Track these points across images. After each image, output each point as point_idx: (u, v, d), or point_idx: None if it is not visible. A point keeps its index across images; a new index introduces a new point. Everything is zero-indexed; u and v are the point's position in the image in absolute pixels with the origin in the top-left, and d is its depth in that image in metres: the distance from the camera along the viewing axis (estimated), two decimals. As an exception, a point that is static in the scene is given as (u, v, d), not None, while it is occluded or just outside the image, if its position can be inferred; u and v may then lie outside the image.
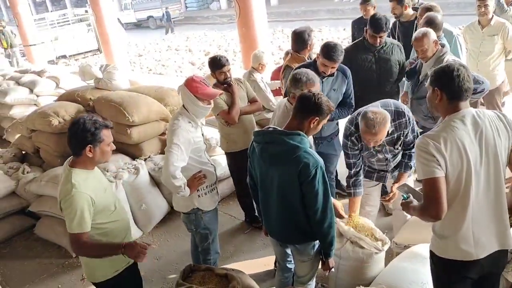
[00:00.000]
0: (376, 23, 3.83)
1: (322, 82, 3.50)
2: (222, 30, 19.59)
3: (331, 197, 2.45)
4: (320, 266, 2.75)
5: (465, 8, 15.14)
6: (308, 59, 4.21)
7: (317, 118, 2.39)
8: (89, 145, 2.32)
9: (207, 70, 11.84)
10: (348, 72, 3.68)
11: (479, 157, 2.04)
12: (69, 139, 2.39)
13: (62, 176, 2.42)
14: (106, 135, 2.38)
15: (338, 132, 3.88)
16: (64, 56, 16.74)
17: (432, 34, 3.55)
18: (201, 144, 3.00)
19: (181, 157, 2.82)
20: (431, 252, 2.28)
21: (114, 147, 2.48)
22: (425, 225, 3.23)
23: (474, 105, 4.89)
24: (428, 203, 2.04)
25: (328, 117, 2.48)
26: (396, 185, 3.16)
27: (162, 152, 4.87)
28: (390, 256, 3.29)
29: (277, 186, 2.45)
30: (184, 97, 2.94)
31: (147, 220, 4.49)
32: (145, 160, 4.70)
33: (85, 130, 2.30)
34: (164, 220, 4.64)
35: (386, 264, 3.14)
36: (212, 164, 3.16)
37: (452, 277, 2.20)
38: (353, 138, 3.01)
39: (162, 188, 4.68)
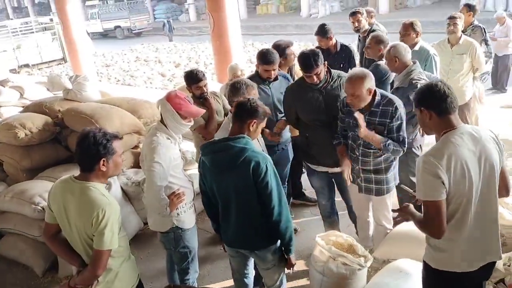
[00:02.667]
0: (304, 62, 3.25)
1: (270, 88, 3.75)
2: (192, 42, 19.50)
3: (283, 191, 2.55)
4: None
5: (427, 27, 15.76)
6: (287, 72, 4.25)
7: (255, 120, 2.53)
8: (103, 159, 2.24)
9: (178, 82, 11.78)
10: (288, 75, 3.95)
11: (479, 173, 2.08)
12: (80, 155, 2.30)
13: (78, 193, 2.28)
14: (117, 146, 2.31)
15: (290, 141, 3.98)
16: (27, 65, 16.16)
17: (398, 49, 3.60)
18: (179, 160, 2.91)
19: (163, 175, 2.73)
20: (425, 263, 2.29)
21: (124, 158, 2.39)
22: (404, 239, 3.27)
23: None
24: (430, 223, 2.07)
25: (265, 120, 2.62)
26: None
27: (135, 166, 4.72)
28: (369, 270, 3.29)
29: (234, 193, 2.51)
30: (165, 112, 2.84)
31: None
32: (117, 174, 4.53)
33: (97, 143, 2.22)
34: (137, 237, 4.48)
35: (367, 281, 3.13)
36: (190, 180, 3.07)
37: None
38: (343, 101, 3.19)
39: (134, 204, 4.53)
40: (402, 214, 2.30)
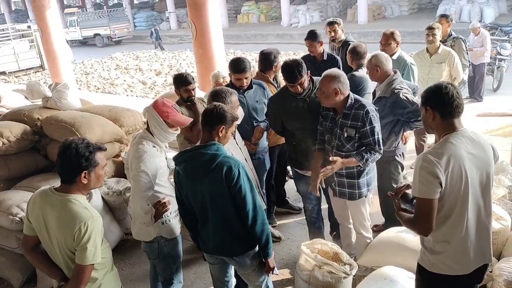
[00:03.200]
0: (287, 73, 3.29)
1: (244, 96, 3.74)
2: (173, 50, 19.43)
3: (258, 195, 2.57)
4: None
5: (404, 37, 16.09)
6: (273, 80, 4.27)
7: (224, 126, 2.54)
8: (85, 171, 2.17)
9: (158, 90, 11.70)
10: (263, 83, 3.95)
11: (476, 176, 2.12)
12: (61, 166, 2.21)
13: (59, 205, 2.20)
14: (100, 158, 2.24)
15: (267, 150, 4.00)
16: (3, 73, 15.83)
17: (381, 59, 3.66)
18: (165, 169, 2.88)
19: (149, 185, 2.70)
20: (419, 266, 2.31)
21: (107, 170, 2.33)
22: (388, 247, 3.29)
23: (422, 130, 5.12)
24: (421, 220, 2.11)
25: (235, 125, 2.65)
26: (330, 163, 3.12)
27: (116, 175, 4.65)
28: (354, 278, 3.29)
29: (209, 199, 2.52)
30: (152, 120, 2.81)
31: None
32: (98, 183, 4.44)
33: (79, 155, 2.15)
34: (118, 247, 4.38)
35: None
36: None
37: None
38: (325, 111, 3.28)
39: (115, 213, 4.45)
40: (396, 201, 2.33)
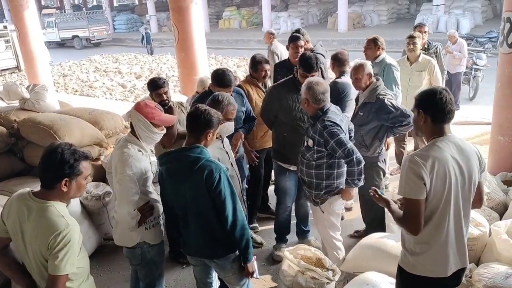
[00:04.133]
0: (306, 63, 3.55)
1: None
2: (142, 53, 19.23)
3: (238, 200, 2.58)
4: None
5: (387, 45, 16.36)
6: (262, 86, 4.32)
7: (211, 130, 2.59)
8: (66, 179, 2.07)
9: (138, 93, 11.55)
10: (241, 91, 4.00)
11: (459, 181, 2.16)
12: (42, 170, 2.12)
13: (35, 212, 2.11)
14: (85, 167, 2.14)
15: (244, 157, 4.00)
16: (-23, 74, 15.41)
17: (368, 67, 3.71)
18: (149, 173, 2.82)
19: (135, 189, 2.65)
20: (400, 268, 2.34)
21: (90, 180, 2.23)
22: (370, 253, 3.31)
23: (402, 137, 5.21)
24: (410, 220, 2.15)
25: (221, 131, 2.72)
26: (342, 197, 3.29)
27: (96, 180, 4.55)
28: (336, 284, 3.29)
29: (191, 201, 2.53)
30: (138, 123, 2.77)
31: (78, 253, 4.12)
32: (76, 187, 4.35)
33: (63, 161, 2.05)
34: (96, 252, 4.29)
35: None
36: (158, 194, 2.97)
37: None
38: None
39: (94, 219, 4.35)
40: (384, 205, 2.36)
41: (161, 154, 2.66)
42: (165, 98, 3.69)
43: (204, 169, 2.45)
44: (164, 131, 2.91)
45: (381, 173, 3.85)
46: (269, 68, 4.35)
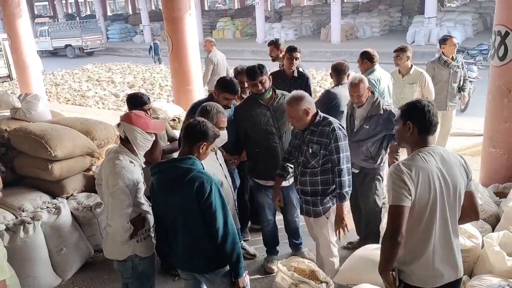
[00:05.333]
0: (249, 71, 3.57)
1: None
2: (147, 63, 19.24)
3: (230, 213, 2.53)
4: None
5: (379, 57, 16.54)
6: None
7: (205, 143, 2.54)
8: None
9: (132, 103, 11.49)
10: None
11: (445, 191, 2.18)
12: None
13: None
14: None
15: (235, 168, 4.00)
16: (-32, 82, 15.30)
17: (366, 81, 3.74)
18: (141, 185, 2.79)
19: (128, 201, 2.61)
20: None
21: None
22: (364, 264, 3.29)
23: (395, 148, 5.22)
24: (389, 226, 2.16)
25: (215, 141, 2.65)
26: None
27: (87, 190, 4.52)
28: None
29: (180, 213, 2.50)
30: (134, 135, 2.73)
31: (68, 265, 4.06)
32: (67, 198, 4.30)
33: None
34: (87, 264, 4.24)
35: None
36: (150, 205, 2.94)
37: None
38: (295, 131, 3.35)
39: (85, 230, 4.30)
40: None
41: (153, 164, 2.63)
42: (148, 115, 3.54)
43: (195, 181, 2.42)
44: (154, 138, 2.87)
45: (382, 182, 3.88)
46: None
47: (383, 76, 4.77)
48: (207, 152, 2.60)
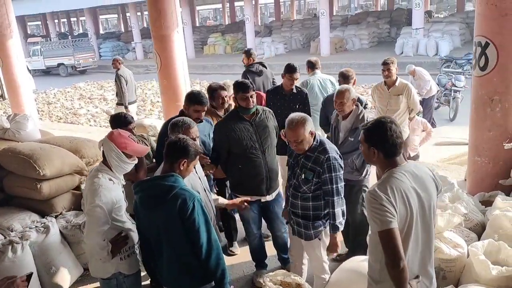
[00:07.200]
0: (242, 84, 3.66)
1: None
2: (138, 80, 19.27)
3: (213, 229, 2.55)
4: None
5: (365, 69, 16.77)
6: (224, 113, 4.37)
7: (186, 160, 2.54)
8: None
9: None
10: (210, 119, 4.12)
11: (419, 207, 2.17)
12: None
13: None
14: None
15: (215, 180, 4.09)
16: (-41, 103, 15.23)
17: (353, 92, 3.80)
18: (122, 202, 2.81)
19: (104, 219, 2.63)
20: None
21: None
22: (352, 277, 3.30)
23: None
24: (387, 254, 2.06)
25: (197, 158, 2.65)
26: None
27: (76, 208, 4.52)
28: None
29: (164, 231, 2.49)
30: (109, 152, 2.76)
31: (57, 284, 4.03)
32: (56, 217, 4.30)
33: None
34: (76, 283, 4.21)
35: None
36: (133, 223, 2.95)
37: None
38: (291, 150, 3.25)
39: (74, 248, 4.29)
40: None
41: (136, 182, 2.64)
42: (134, 133, 3.57)
43: (177, 198, 2.42)
44: (136, 161, 2.89)
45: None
46: (226, 95, 4.41)
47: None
48: (188, 169, 2.60)
